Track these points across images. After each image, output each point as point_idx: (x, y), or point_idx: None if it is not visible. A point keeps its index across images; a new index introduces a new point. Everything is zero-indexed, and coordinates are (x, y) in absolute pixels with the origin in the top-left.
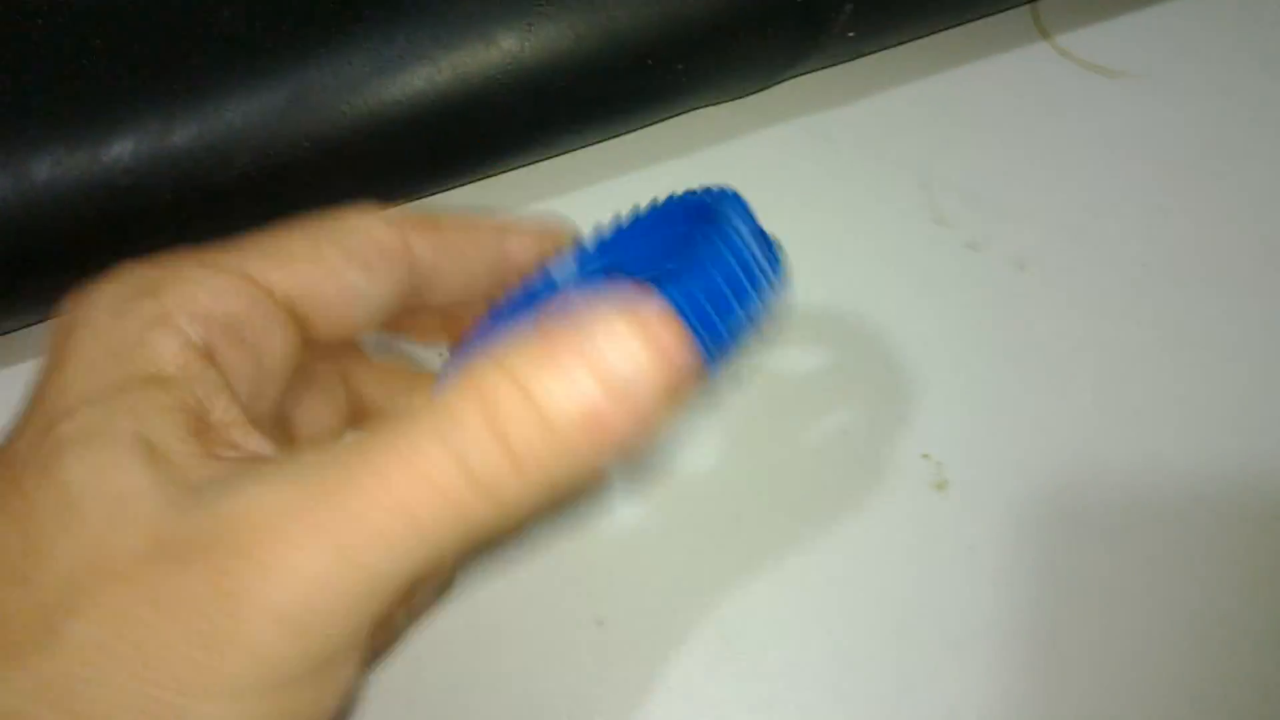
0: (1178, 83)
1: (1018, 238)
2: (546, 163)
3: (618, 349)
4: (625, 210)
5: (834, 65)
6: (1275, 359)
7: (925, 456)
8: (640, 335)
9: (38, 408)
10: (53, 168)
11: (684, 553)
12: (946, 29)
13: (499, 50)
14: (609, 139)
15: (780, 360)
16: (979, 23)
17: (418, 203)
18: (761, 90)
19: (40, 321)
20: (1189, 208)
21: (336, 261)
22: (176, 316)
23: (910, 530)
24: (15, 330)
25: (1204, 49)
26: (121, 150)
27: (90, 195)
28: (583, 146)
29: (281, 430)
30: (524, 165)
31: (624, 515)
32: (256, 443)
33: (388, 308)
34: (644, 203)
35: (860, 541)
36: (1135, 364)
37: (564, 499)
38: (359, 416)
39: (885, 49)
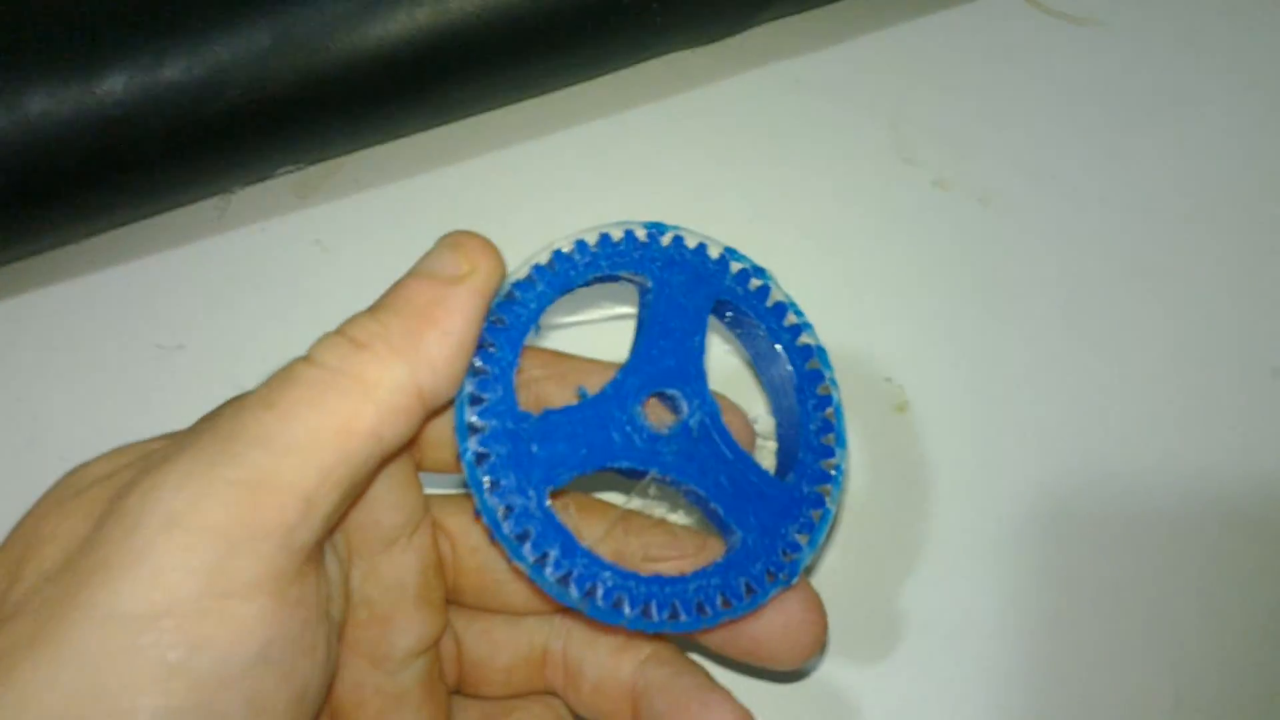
0: (1139, 30)
1: (982, 175)
2: (522, 105)
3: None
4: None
5: (807, 10)
6: (1218, 282)
7: (888, 380)
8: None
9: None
10: (47, 100)
11: None
12: None
13: None
14: (585, 81)
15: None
16: None
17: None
18: (735, 35)
19: (37, 253)
20: (1145, 148)
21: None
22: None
23: (872, 447)
24: (13, 261)
25: None
26: (114, 83)
27: (84, 127)
28: (558, 88)
29: None
30: (500, 106)
31: None
32: None
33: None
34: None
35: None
36: (1090, 291)
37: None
38: None
39: None
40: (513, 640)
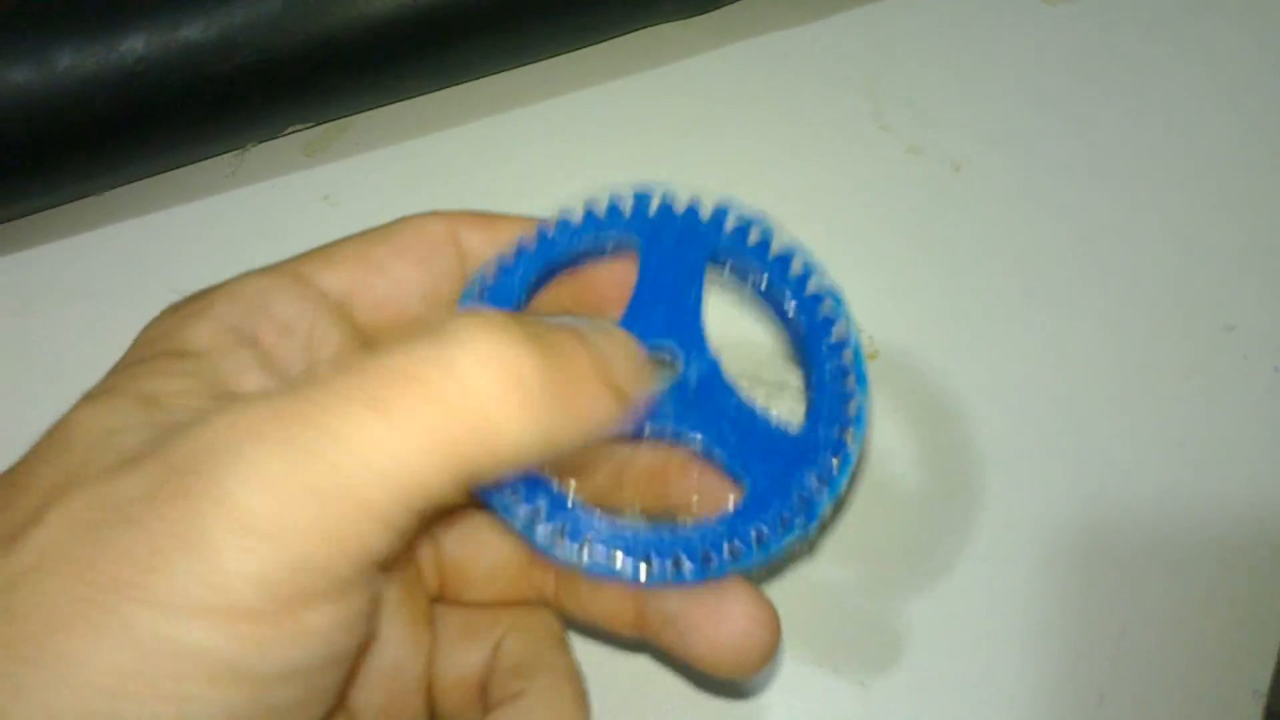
0: (1107, 10)
1: (955, 143)
2: (517, 73)
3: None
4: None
5: None
6: (1173, 247)
7: (860, 331)
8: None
9: None
10: (73, 56)
11: None
12: None
13: None
14: (577, 49)
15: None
16: None
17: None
18: (720, 8)
19: (60, 204)
20: (1110, 119)
21: (383, 257)
22: (216, 305)
23: None
24: (36, 212)
25: None
26: (135, 42)
27: (106, 82)
28: (552, 55)
29: None
30: (498, 72)
31: None
32: None
33: (440, 296)
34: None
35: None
36: (1055, 253)
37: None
38: None
39: None
40: (495, 541)
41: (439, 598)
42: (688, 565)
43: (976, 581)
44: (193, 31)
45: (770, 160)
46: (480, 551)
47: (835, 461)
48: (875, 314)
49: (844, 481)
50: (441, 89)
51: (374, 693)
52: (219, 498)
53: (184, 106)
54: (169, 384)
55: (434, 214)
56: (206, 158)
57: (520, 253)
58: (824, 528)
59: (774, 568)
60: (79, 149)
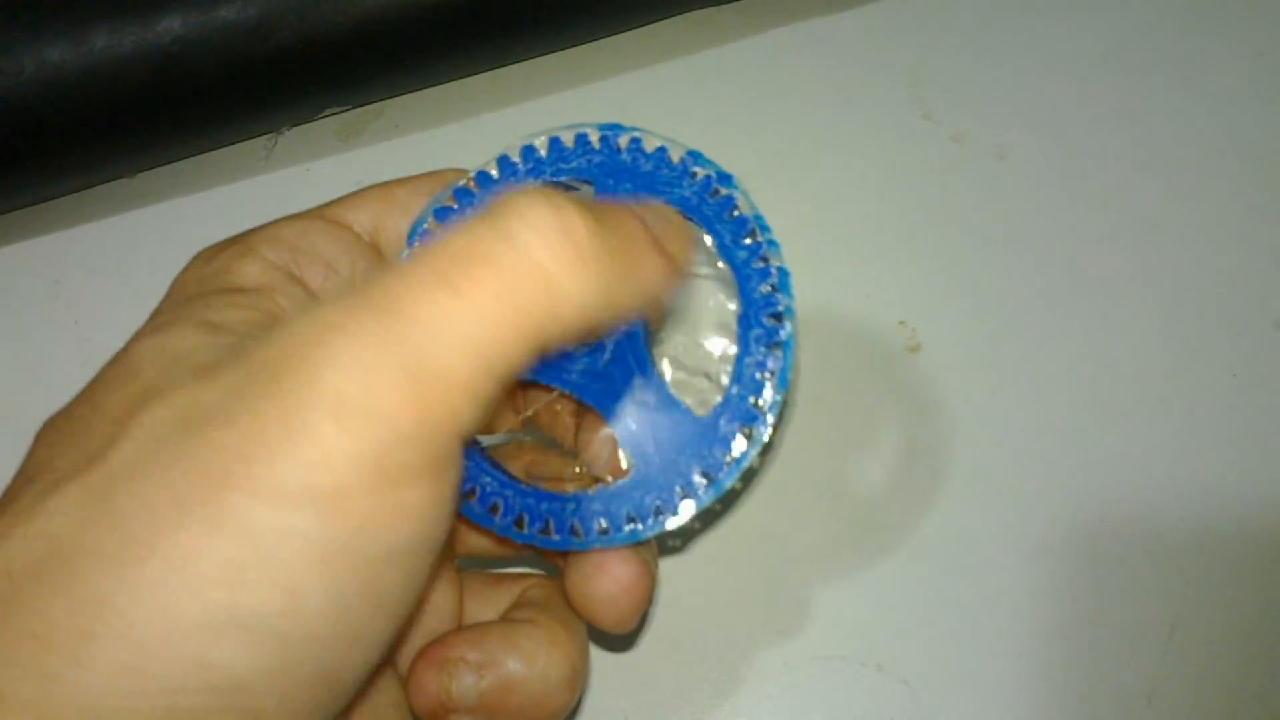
0: None
1: (999, 132)
2: (552, 58)
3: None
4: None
5: None
6: (1227, 239)
7: (902, 323)
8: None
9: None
10: (110, 35)
11: None
12: None
13: None
14: (616, 34)
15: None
16: None
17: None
18: None
19: (94, 185)
20: (1158, 108)
21: (405, 197)
22: (259, 248)
23: (884, 387)
24: (72, 193)
25: None
26: (172, 21)
27: (143, 63)
28: (590, 40)
29: None
30: (533, 57)
31: None
32: None
33: None
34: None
35: (839, 399)
36: (1100, 245)
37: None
38: None
39: None
40: None
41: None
42: (555, 534)
43: (1023, 579)
44: (230, 11)
45: (810, 148)
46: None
47: (728, 458)
48: (916, 305)
49: (731, 481)
50: (479, 73)
51: (418, 636)
52: (311, 385)
53: (220, 88)
54: (229, 314)
55: (451, 169)
56: (240, 140)
57: (480, 179)
58: (710, 519)
59: (668, 547)
60: (113, 130)
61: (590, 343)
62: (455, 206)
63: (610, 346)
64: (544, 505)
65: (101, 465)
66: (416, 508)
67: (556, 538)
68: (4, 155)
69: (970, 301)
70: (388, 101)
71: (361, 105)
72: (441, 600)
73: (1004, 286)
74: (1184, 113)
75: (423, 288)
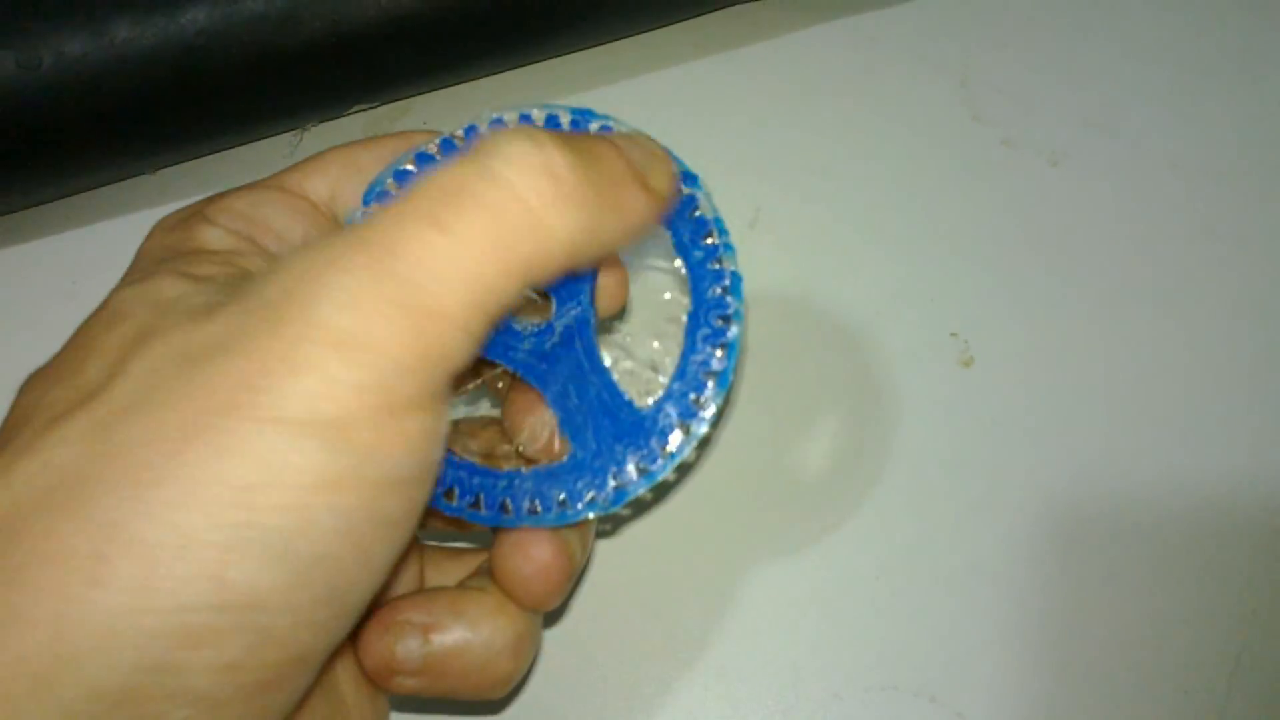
0: None
1: (1052, 135)
2: (590, 53)
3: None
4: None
5: None
6: None
7: (954, 335)
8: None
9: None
10: (132, 27)
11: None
12: None
13: None
14: (656, 28)
15: (820, 246)
16: None
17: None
18: None
19: (117, 180)
20: (1218, 111)
21: (368, 162)
22: (216, 217)
23: (937, 402)
24: (95, 187)
25: None
26: (197, 13)
27: (167, 55)
28: (629, 35)
29: None
30: (569, 53)
31: None
32: None
33: None
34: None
35: (889, 412)
36: (1158, 258)
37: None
38: None
39: None
40: None
41: None
42: (484, 510)
43: (1087, 606)
44: (258, 3)
45: (856, 149)
46: None
47: (663, 450)
48: (967, 316)
49: (665, 473)
50: (511, 69)
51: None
52: (310, 320)
53: (245, 83)
54: (205, 268)
55: (419, 131)
56: (265, 136)
57: (445, 145)
58: (641, 509)
59: (599, 531)
60: (134, 125)
61: (540, 323)
62: (415, 170)
63: (559, 329)
64: (476, 479)
65: (103, 398)
66: (415, 437)
67: (485, 513)
68: (21, 151)
69: (1023, 312)
70: (415, 98)
71: (390, 102)
72: (402, 569)
73: (1058, 297)
74: (1243, 116)
75: (414, 226)
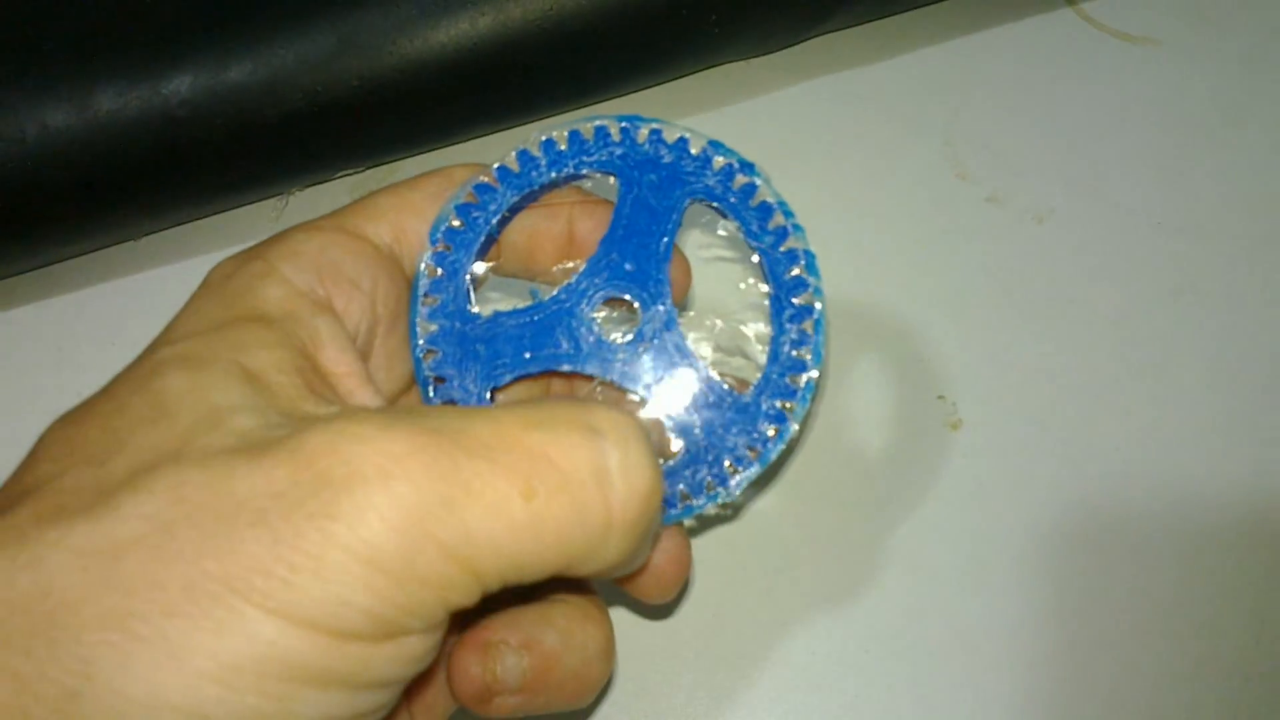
0: (1196, 50)
1: (1037, 193)
2: (579, 113)
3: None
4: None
5: (862, 24)
6: (1272, 305)
7: (941, 398)
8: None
9: (146, 350)
10: (115, 99)
11: None
12: None
13: None
14: (640, 90)
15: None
16: None
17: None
18: (790, 46)
19: (102, 248)
20: (1202, 169)
21: (422, 201)
22: (280, 267)
23: (924, 465)
24: (78, 255)
25: (1225, 18)
26: (180, 84)
27: (149, 126)
28: (615, 97)
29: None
30: (559, 113)
31: None
32: (368, 396)
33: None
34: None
35: (876, 475)
36: (1143, 314)
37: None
38: None
39: (914, 8)
40: None
41: None
42: None
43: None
44: (240, 73)
45: (840, 205)
46: None
47: (772, 432)
48: (954, 378)
49: (776, 453)
50: (495, 132)
51: None
52: (353, 524)
53: (229, 151)
54: (261, 356)
55: (459, 165)
56: (250, 202)
57: (501, 174)
58: (756, 492)
59: (704, 523)
60: (118, 195)
61: (628, 331)
62: (478, 203)
63: (649, 334)
64: None
65: (114, 514)
66: (409, 657)
67: None
68: (6, 222)
69: (1009, 372)
70: (401, 161)
71: (375, 166)
72: None
73: (1045, 357)
74: (1227, 174)
75: (497, 473)
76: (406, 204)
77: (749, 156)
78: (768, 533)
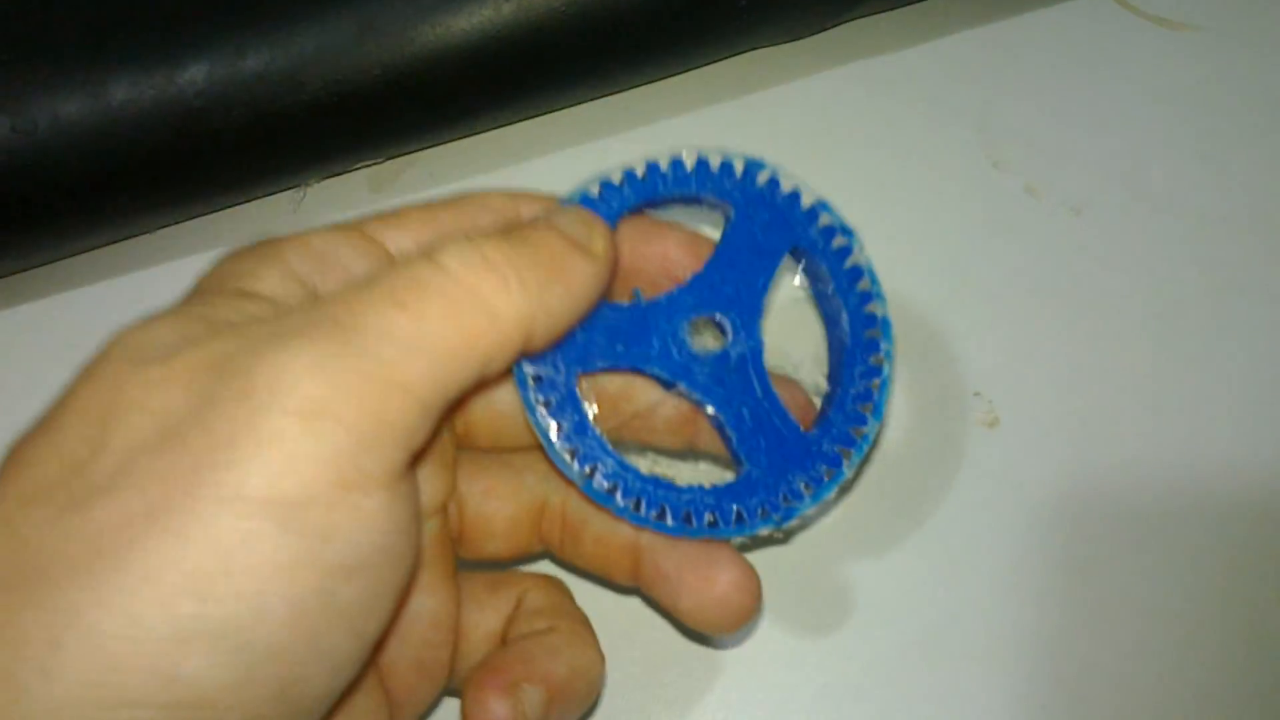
0: (1239, 36)
1: (1074, 183)
2: (605, 100)
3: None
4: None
5: (894, 9)
6: None
7: (977, 394)
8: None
9: None
10: (130, 89)
11: None
12: None
13: None
14: (668, 77)
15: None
16: None
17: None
18: (821, 31)
19: (119, 240)
20: (1245, 159)
21: (449, 223)
22: (287, 255)
23: (960, 464)
24: (94, 249)
25: (1271, 2)
26: (196, 73)
27: (165, 116)
28: (641, 84)
29: None
30: (584, 101)
31: None
32: None
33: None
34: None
35: (911, 475)
36: (1185, 309)
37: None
38: None
39: None
40: (515, 495)
41: (461, 554)
42: (670, 520)
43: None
44: (258, 62)
45: (872, 195)
46: (503, 506)
47: (827, 473)
48: (989, 373)
49: (830, 494)
50: (519, 121)
51: (408, 645)
52: (276, 386)
53: (246, 142)
54: (222, 312)
55: (497, 191)
56: (268, 194)
57: (629, 178)
58: (803, 525)
59: (754, 542)
60: (132, 187)
61: (716, 349)
62: (599, 198)
63: (735, 356)
64: (659, 493)
65: (84, 477)
66: (372, 517)
67: (671, 524)
68: (17, 215)
69: (1047, 368)
70: (420, 153)
71: (395, 157)
72: (437, 607)
73: (1082, 352)
74: (1273, 165)
75: (376, 304)
76: (434, 219)
77: (780, 144)
78: (798, 529)
